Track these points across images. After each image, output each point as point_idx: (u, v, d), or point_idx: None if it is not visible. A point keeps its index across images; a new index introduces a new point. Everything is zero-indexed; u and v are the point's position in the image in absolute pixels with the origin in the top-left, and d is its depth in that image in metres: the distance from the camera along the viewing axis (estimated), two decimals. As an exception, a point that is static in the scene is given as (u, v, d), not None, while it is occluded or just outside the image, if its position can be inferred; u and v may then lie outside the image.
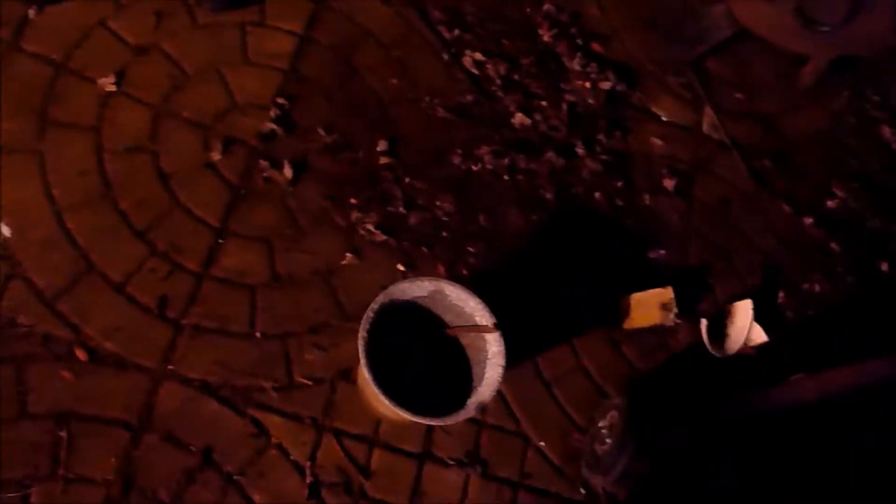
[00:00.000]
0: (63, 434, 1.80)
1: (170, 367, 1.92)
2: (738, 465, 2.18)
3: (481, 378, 1.88)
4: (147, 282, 1.98)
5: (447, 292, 1.89)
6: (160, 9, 2.23)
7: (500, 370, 1.85)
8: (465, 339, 1.98)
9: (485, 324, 1.88)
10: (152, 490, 1.82)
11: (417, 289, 1.88)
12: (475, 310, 1.89)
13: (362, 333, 1.76)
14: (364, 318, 1.78)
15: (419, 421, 1.73)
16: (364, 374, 1.76)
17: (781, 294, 2.57)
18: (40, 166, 1.99)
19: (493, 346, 1.87)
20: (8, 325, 1.84)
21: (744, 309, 2.43)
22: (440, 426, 2.09)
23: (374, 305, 1.80)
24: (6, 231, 1.90)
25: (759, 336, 2.43)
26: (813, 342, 2.49)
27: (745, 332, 2.41)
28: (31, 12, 2.11)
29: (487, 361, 1.88)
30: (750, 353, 2.43)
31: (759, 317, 2.41)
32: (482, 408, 1.84)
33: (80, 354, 1.87)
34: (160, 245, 2.02)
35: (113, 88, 2.11)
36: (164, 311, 1.97)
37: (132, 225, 2.01)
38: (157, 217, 2.04)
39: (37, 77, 2.06)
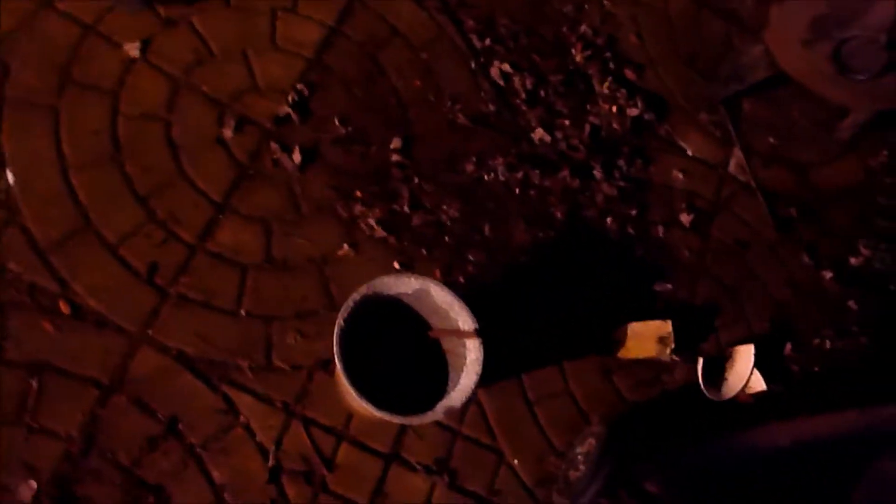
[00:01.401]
0: (34, 383, 1.81)
1: (150, 332, 1.93)
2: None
3: (457, 384, 1.84)
4: (141, 247, 1.99)
5: (433, 293, 1.86)
6: (196, -15, 2.26)
7: (474, 378, 1.81)
8: (447, 344, 1.95)
9: (467, 329, 1.85)
10: (112, 452, 1.81)
11: (403, 285, 1.86)
12: (459, 314, 1.85)
13: (339, 321, 1.74)
14: (344, 306, 1.76)
15: (381, 415, 1.70)
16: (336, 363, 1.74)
17: (789, 346, 2.48)
18: (54, 122, 2.02)
19: (472, 353, 1.83)
20: (-3, 271, 1.87)
21: (745, 354, 2.35)
22: (413, 429, 2.06)
23: (356, 296, 1.78)
24: (10, 179, 1.94)
25: (759, 384, 2.35)
26: (816, 398, 2.40)
27: (744, 378, 2.33)
28: (70, -25, 2.16)
29: (465, 368, 1.84)
30: (747, 401, 2.35)
31: (761, 365, 2.34)
32: (452, 414, 1.80)
33: (64, 308, 1.88)
34: (159, 213, 2.03)
35: (137, 55, 2.13)
36: (153, 277, 1.97)
37: (135, 189, 2.03)
38: (160, 185, 2.05)
39: (64, 36, 2.10)
